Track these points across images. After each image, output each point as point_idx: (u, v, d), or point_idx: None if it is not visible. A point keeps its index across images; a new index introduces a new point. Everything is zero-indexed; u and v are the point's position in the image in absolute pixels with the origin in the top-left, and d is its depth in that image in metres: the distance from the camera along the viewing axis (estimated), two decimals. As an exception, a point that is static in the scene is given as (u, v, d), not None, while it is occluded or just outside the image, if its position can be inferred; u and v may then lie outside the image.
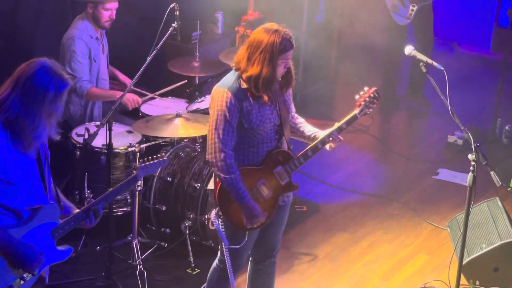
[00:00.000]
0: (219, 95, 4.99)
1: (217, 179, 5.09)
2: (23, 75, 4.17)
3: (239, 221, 5.12)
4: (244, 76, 5.01)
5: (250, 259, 5.57)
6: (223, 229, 5.18)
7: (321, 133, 5.36)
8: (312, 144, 5.30)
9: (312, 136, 5.37)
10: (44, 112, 4.19)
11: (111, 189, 4.83)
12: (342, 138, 5.39)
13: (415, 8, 8.78)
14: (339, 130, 5.36)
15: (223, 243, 5.26)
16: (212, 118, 5.00)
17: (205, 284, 5.64)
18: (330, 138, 5.32)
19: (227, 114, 4.95)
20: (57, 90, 4.19)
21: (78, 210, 4.56)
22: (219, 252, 5.43)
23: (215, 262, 5.49)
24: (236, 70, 5.08)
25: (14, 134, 4.19)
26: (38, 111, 4.17)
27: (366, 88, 5.41)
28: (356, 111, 5.42)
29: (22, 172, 4.25)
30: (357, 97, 5.41)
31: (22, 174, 4.25)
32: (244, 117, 5.01)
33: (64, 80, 4.22)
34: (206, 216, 6.33)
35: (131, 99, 6.88)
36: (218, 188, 5.09)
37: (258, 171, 5.13)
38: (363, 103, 5.40)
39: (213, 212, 5.15)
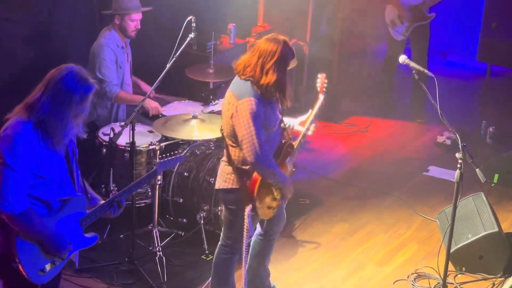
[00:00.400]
0: (247, 103, 4.95)
1: (254, 179, 5.09)
2: (52, 79, 4.19)
3: (268, 212, 5.25)
4: (259, 83, 5.00)
5: (261, 233, 5.65)
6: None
7: (294, 121, 5.55)
8: (302, 133, 5.41)
9: (288, 125, 5.47)
10: (72, 112, 4.20)
11: (134, 182, 4.84)
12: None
13: (411, 27, 8.76)
14: (316, 116, 5.46)
15: (230, 231, 5.38)
16: (247, 125, 4.94)
17: (212, 270, 5.63)
18: (313, 124, 5.42)
19: (259, 118, 4.97)
20: (83, 93, 4.20)
21: (103, 202, 4.57)
22: (224, 240, 5.47)
23: (220, 249, 5.51)
24: (248, 79, 5.04)
25: (45, 132, 4.20)
26: (66, 111, 4.18)
27: (318, 75, 5.55)
28: (321, 97, 5.53)
29: (52, 167, 4.26)
30: (318, 85, 5.54)
31: (52, 169, 4.26)
32: (266, 119, 5.03)
33: (89, 84, 4.23)
34: (219, 208, 6.32)
35: (153, 105, 6.88)
36: (258, 184, 5.07)
37: (278, 164, 5.17)
38: (324, 89, 5.52)
39: (248, 209, 5.09)
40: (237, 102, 5.00)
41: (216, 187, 5.39)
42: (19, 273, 4.22)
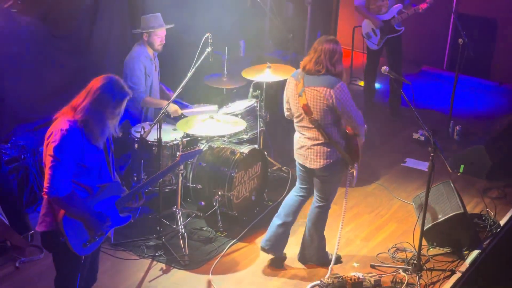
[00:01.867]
0: (342, 88, 5.35)
1: (359, 144, 5.55)
2: (94, 86, 4.23)
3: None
4: (333, 74, 5.40)
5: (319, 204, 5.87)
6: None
7: None
8: None
9: None
10: (108, 114, 4.23)
11: (160, 171, 4.83)
12: None
13: (383, 38, 8.74)
14: None
15: (323, 193, 5.76)
16: (349, 103, 5.37)
17: (308, 222, 5.90)
18: None
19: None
20: (118, 99, 4.23)
21: (128, 192, 4.56)
22: (318, 201, 5.80)
23: (316, 208, 5.82)
24: (325, 73, 5.38)
25: (87, 130, 4.22)
26: (104, 113, 4.21)
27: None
28: None
29: (93, 158, 4.29)
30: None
31: (93, 160, 4.29)
32: None
33: (124, 92, 4.27)
34: (231, 193, 6.33)
35: (173, 109, 6.88)
36: (359, 147, 5.56)
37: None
38: None
39: (355, 168, 5.63)
40: (331, 90, 5.34)
41: (317, 167, 5.59)
42: (66, 247, 4.25)
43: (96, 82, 4.24)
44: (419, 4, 8.48)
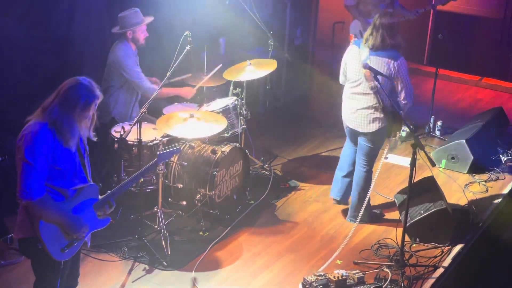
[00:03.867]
0: (403, 61, 6.07)
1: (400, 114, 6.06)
2: (64, 87, 4.20)
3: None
4: (394, 46, 6.08)
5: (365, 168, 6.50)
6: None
7: None
8: None
9: None
10: (76, 117, 4.16)
11: (137, 172, 4.77)
12: None
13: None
14: None
15: (368, 156, 6.39)
16: (407, 76, 6.09)
17: (355, 185, 6.50)
18: None
19: None
20: (87, 101, 4.18)
21: (101, 197, 4.49)
22: (363, 165, 6.42)
23: (362, 170, 6.44)
24: (389, 45, 6.05)
25: (58, 131, 4.16)
26: (72, 115, 4.15)
27: None
28: None
29: (66, 160, 4.23)
30: None
31: (66, 161, 4.23)
32: None
33: (94, 95, 4.20)
34: (213, 192, 6.30)
35: (186, 91, 6.90)
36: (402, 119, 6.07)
37: None
38: None
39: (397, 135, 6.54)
40: (395, 62, 6.03)
41: (366, 131, 6.24)
42: (44, 252, 4.20)
43: (66, 83, 4.20)
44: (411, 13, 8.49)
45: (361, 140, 6.37)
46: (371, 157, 6.42)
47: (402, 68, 6.05)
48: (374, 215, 6.71)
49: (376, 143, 6.35)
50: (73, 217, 4.25)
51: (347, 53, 6.34)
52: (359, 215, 6.30)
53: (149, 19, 6.86)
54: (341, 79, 6.44)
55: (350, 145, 6.62)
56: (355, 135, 6.44)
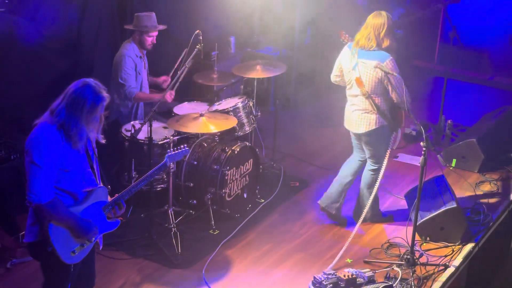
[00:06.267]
0: (393, 62, 5.87)
1: (402, 112, 6.04)
2: (70, 89, 4.17)
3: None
4: (382, 48, 5.88)
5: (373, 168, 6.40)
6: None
7: None
8: None
9: None
10: (84, 119, 4.14)
11: (146, 174, 4.73)
12: None
13: None
14: None
15: (374, 155, 6.26)
16: (398, 79, 5.84)
17: (361, 185, 6.44)
18: None
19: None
20: (93, 103, 4.15)
21: (112, 198, 4.49)
22: (371, 164, 6.34)
23: (370, 172, 6.35)
24: (375, 48, 5.87)
25: (66, 134, 4.15)
26: (79, 117, 4.13)
27: None
28: None
29: (75, 162, 4.21)
30: None
31: (75, 164, 4.21)
32: None
33: (100, 96, 4.17)
34: (223, 191, 6.31)
35: (168, 95, 6.83)
36: (403, 115, 6.07)
37: None
38: None
39: (398, 133, 6.17)
40: (383, 64, 5.81)
41: (362, 131, 6.12)
42: (53, 256, 4.20)
43: (73, 86, 4.17)
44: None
45: (363, 143, 6.29)
46: (376, 156, 6.30)
47: (389, 69, 5.85)
48: (378, 216, 6.61)
49: (376, 143, 6.22)
50: (83, 220, 4.25)
51: (342, 55, 6.19)
52: (363, 214, 6.25)
53: (161, 26, 6.85)
54: (332, 78, 6.34)
55: (356, 156, 6.49)
56: (357, 139, 6.36)
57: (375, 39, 5.87)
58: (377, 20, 5.87)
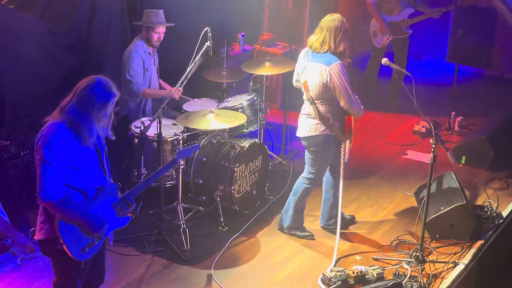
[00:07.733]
0: (341, 66, 5.56)
1: (348, 120, 5.77)
2: (80, 87, 4.14)
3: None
4: (336, 52, 5.58)
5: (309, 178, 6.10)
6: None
7: None
8: None
9: None
10: (94, 116, 4.13)
11: (156, 170, 4.74)
12: None
13: (390, 39, 8.74)
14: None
15: (312, 168, 5.96)
16: (344, 85, 5.56)
17: (292, 194, 6.17)
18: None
19: (347, 74, 5.59)
20: (104, 100, 4.13)
21: (122, 195, 4.50)
22: (307, 174, 6.02)
23: (303, 179, 6.06)
24: (327, 51, 5.59)
25: (76, 131, 4.15)
26: (90, 115, 4.11)
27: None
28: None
29: (85, 159, 4.21)
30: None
31: (85, 161, 4.21)
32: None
33: (111, 93, 4.15)
34: (232, 187, 6.31)
35: (176, 92, 6.82)
36: (351, 124, 5.80)
37: None
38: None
39: (347, 142, 5.83)
40: (328, 68, 5.55)
41: (302, 135, 5.89)
42: (64, 253, 4.21)
43: (83, 83, 4.15)
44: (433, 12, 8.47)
45: (306, 149, 5.99)
46: (314, 167, 5.98)
47: (338, 73, 5.55)
48: (295, 230, 6.29)
49: (318, 153, 5.89)
50: (93, 216, 4.25)
51: (299, 60, 5.92)
52: (283, 219, 6.26)
53: (169, 24, 6.85)
54: (295, 84, 6.02)
55: (305, 174, 6.16)
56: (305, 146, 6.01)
57: (332, 42, 5.58)
58: (333, 24, 5.59)
